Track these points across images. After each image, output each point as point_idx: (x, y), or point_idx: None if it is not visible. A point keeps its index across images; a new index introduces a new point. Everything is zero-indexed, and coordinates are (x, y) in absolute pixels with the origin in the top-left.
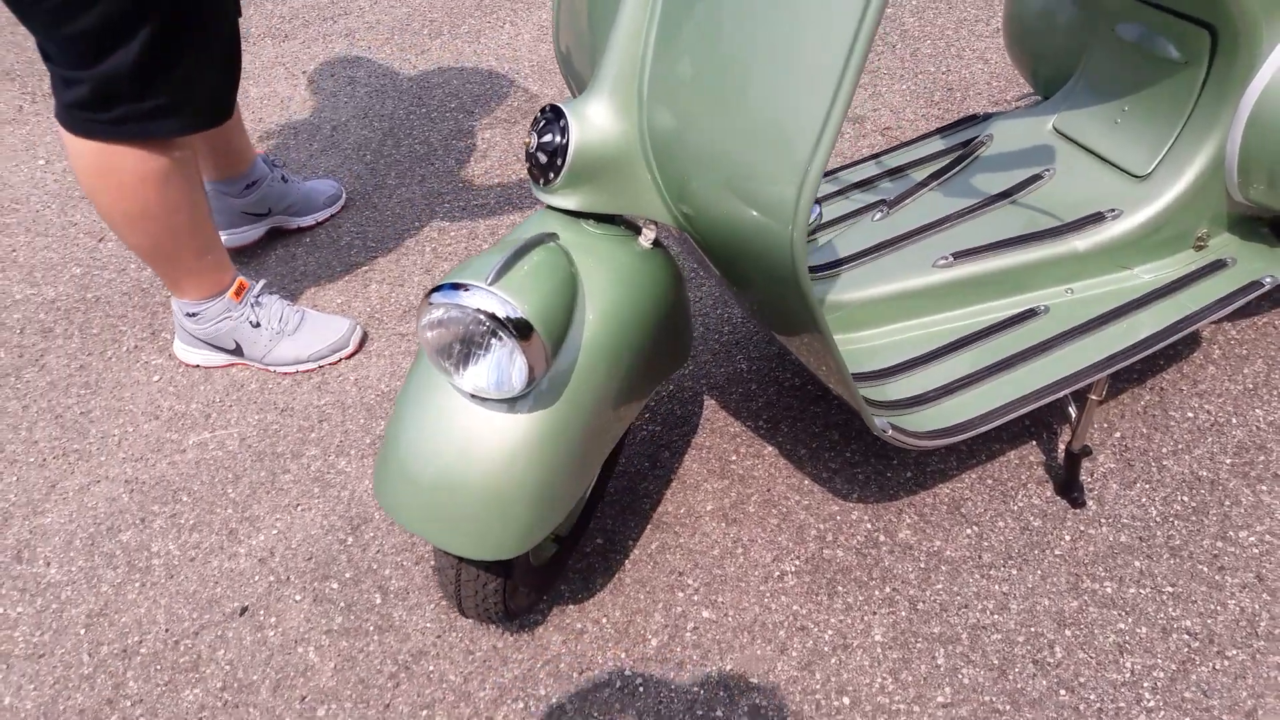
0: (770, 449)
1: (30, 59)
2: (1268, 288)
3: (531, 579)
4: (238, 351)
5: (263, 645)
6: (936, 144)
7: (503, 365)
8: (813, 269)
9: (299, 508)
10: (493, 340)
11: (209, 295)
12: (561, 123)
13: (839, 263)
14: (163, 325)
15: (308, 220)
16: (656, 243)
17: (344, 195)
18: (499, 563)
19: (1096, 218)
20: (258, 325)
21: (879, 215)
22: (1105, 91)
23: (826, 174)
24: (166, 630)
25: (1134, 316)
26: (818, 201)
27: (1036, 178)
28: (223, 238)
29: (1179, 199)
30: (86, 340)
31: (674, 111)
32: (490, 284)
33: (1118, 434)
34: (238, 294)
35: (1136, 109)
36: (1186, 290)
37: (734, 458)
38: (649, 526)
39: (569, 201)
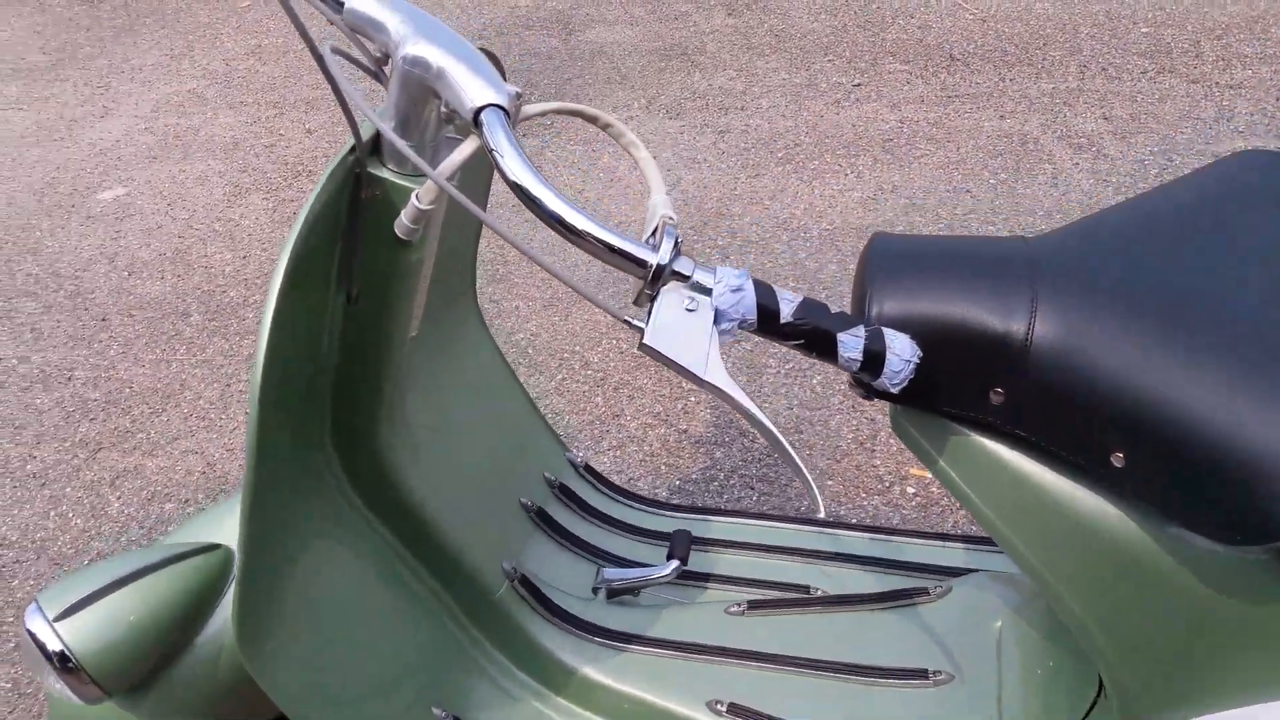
0: None
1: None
2: None
3: None
4: None
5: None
6: (903, 551)
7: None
8: (606, 632)
9: None
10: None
11: None
12: None
13: (632, 639)
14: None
15: None
16: None
17: None
18: None
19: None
20: None
21: (736, 608)
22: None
23: (745, 516)
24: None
25: None
26: (680, 558)
27: (921, 674)
28: None
29: None
30: None
31: None
32: (56, 618)
33: None
34: None
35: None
36: None
37: None
38: None
39: None
